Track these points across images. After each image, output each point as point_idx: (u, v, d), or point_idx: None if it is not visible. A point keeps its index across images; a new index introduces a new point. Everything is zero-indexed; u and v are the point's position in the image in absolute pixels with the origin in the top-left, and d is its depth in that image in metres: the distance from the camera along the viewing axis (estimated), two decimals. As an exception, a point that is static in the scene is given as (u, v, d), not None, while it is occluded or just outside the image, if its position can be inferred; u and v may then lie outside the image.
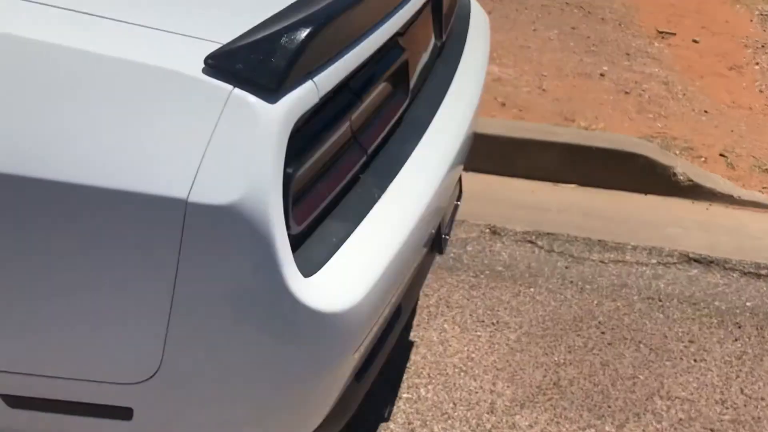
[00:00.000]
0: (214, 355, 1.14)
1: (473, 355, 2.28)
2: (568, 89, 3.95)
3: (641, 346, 2.36)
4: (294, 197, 1.15)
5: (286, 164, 1.12)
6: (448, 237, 1.97)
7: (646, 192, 3.27)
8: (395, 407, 2.09)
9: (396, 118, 1.60)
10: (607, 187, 3.28)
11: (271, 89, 1.06)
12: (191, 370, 1.16)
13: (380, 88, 1.52)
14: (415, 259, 1.61)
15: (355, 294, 1.19)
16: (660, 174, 3.26)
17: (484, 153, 3.34)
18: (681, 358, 2.33)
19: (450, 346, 2.31)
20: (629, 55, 4.38)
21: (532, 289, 2.58)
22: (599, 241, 2.86)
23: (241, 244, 1.04)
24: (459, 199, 2.13)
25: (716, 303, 2.58)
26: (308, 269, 1.14)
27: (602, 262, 2.75)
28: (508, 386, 2.18)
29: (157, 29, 1.10)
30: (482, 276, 2.62)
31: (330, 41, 1.18)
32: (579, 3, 5.04)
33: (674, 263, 2.76)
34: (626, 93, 3.98)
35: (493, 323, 2.41)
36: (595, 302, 2.54)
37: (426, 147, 1.62)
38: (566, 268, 2.70)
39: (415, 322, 2.39)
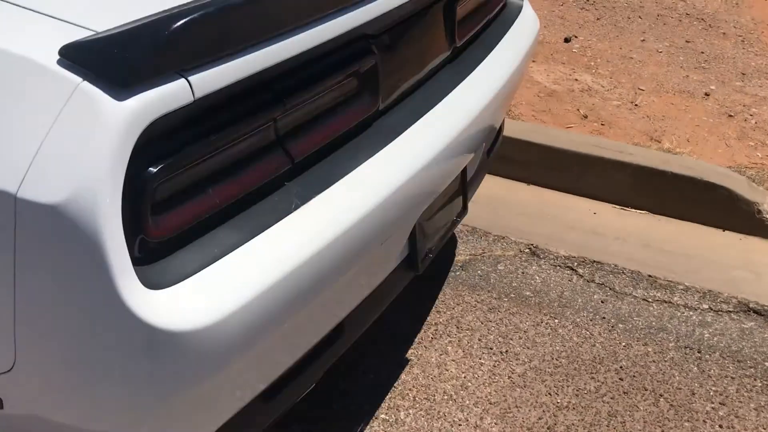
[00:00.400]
0: (62, 355, 1.09)
1: (468, 384, 2.13)
2: (663, 107, 3.65)
3: (661, 400, 2.12)
4: (159, 202, 1.08)
5: (148, 166, 1.05)
6: (431, 255, 1.83)
7: (724, 228, 2.95)
8: (368, 427, 1.99)
9: (354, 125, 1.50)
10: (681, 218, 2.99)
11: (121, 85, 0.99)
12: (45, 367, 1.12)
13: (330, 93, 1.41)
14: (359, 275, 1.50)
15: (219, 311, 1.10)
16: (743, 209, 2.93)
17: (548, 166, 3.14)
18: (704, 421, 2.07)
19: (447, 370, 2.17)
20: (744, 75, 3.99)
21: (556, 321, 2.38)
22: (649, 276, 2.61)
23: (69, 248, 0.98)
24: (461, 216, 1.99)
25: (767, 364, 2.28)
26: (163, 281, 1.07)
27: (645, 300, 2.50)
28: (495, 423, 2.02)
29: (27, 9, 1.06)
30: (505, 299, 2.45)
31: (218, 39, 1.10)
32: (701, 15, 4.65)
33: (728, 311, 2.47)
34: (730, 116, 3.62)
35: (501, 352, 2.25)
36: (623, 344, 2.31)
37: (385, 158, 1.50)
38: (602, 302, 2.48)
39: (416, 339, 2.27)
